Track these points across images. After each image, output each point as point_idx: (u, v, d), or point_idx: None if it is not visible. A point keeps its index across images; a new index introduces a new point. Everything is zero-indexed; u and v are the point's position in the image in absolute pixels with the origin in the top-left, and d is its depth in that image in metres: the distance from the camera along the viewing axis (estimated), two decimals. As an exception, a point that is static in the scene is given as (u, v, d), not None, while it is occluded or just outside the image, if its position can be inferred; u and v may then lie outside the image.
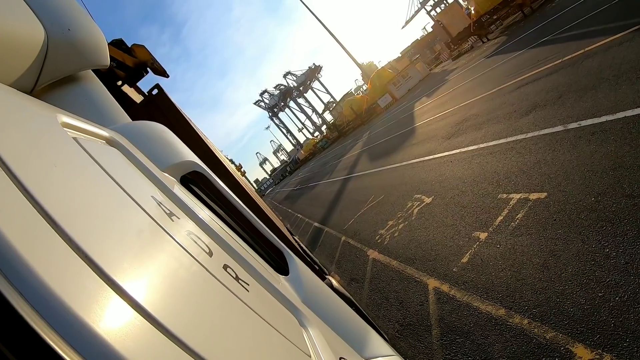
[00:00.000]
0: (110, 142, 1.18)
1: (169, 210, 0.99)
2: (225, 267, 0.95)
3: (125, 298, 0.49)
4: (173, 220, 0.94)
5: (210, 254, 0.94)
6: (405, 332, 3.46)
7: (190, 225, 1.06)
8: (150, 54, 4.74)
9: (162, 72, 5.13)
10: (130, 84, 4.56)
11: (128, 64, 4.49)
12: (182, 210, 1.15)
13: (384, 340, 1.82)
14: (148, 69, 4.71)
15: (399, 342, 3.39)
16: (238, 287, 0.90)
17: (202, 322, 0.64)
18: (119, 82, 4.42)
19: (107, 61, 1.96)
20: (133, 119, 2.05)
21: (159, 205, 0.95)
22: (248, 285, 1.00)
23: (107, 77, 4.14)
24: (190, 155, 1.84)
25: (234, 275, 0.95)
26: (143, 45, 4.67)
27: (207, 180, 1.85)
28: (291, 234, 8.26)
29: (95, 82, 2.00)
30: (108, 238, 0.62)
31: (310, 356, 0.90)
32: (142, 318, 0.49)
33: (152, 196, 0.98)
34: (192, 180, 1.80)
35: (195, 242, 0.92)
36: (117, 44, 4.53)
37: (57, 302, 0.40)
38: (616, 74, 4.72)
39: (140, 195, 0.90)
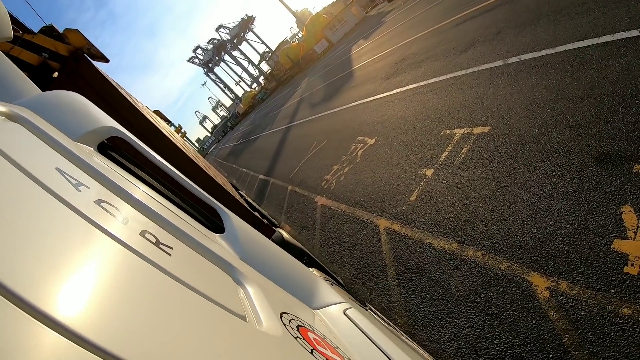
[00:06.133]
0: (11, 117, 1.16)
1: (76, 180, 0.97)
2: (143, 232, 0.92)
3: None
4: (80, 191, 0.92)
5: (125, 221, 0.92)
6: (361, 275, 3.41)
7: (104, 193, 1.03)
8: (86, 38, 4.36)
9: (101, 57, 4.83)
10: (68, 75, 4.15)
11: (62, 53, 4.16)
12: (94, 179, 1.11)
13: (332, 289, 1.77)
14: (85, 55, 4.32)
15: (355, 285, 3.33)
16: (157, 253, 0.85)
17: (102, 307, 0.53)
18: (55, 74, 4.10)
19: (10, 33, 1.90)
20: None
21: (64, 177, 0.93)
22: (171, 248, 0.96)
23: (40, 70, 3.98)
24: (107, 121, 1.79)
25: (154, 241, 0.91)
26: (76, 30, 4.33)
27: (129, 145, 1.80)
28: (237, 190, 7.88)
29: None
30: None
31: (245, 317, 0.85)
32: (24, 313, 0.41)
33: (56, 168, 0.96)
34: (112, 147, 1.79)
35: (107, 211, 0.89)
36: (46, 32, 4.19)
37: None
38: (555, 10, 4.74)
39: (40, 169, 0.86)
